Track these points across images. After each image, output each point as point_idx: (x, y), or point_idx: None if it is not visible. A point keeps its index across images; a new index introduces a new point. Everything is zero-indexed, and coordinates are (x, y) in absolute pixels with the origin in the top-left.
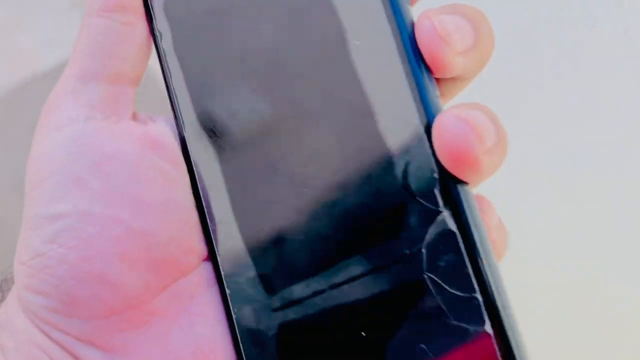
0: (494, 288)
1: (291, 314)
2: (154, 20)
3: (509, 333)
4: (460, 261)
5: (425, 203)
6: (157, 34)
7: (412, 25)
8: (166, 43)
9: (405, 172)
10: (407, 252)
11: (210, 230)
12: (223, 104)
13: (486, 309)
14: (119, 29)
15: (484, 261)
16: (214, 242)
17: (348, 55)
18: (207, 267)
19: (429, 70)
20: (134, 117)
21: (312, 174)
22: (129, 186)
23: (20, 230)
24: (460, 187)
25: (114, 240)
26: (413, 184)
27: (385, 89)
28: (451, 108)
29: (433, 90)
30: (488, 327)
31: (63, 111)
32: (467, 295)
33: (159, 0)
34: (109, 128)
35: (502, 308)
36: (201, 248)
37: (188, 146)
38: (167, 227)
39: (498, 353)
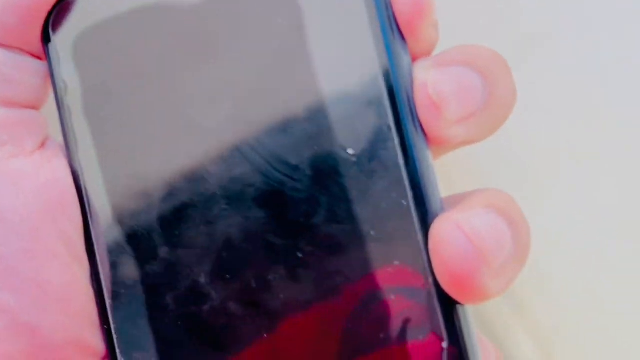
0: None
1: None
2: (55, 65)
3: None
4: None
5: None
6: (61, 85)
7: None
8: (72, 98)
9: (403, 329)
10: None
11: (112, 327)
12: (150, 194)
13: None
14: (13, 56)
15: None
16: (115, 342)
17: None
18: None
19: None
20: (43, 146)
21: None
22: (22, 261)
23: None
24: (464, 320)
25: None
26: (413, 348)
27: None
28: (454, 211)
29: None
30: None
31: None
32: None
33: (66, 37)
34: (1, 164)
35: None
36: (100, 347)
37: (94, 242)
38: (65, 322)
39: None
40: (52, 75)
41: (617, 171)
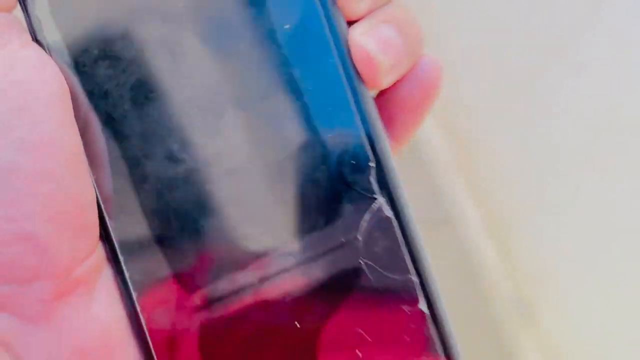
0: (427, 270)
1: (212, 311)
2: (34, 25)
3: (441, 312)
4: (395, 245)
5: (360, 190)
6: (43, 41)
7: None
8: (56, 53)
9: (340, 161)
10: (343, 239)
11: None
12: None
13: (422, 289)
14: None
15: (417, 244)
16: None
17: (276, 46)
18: None
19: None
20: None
21: (236, 161)
22: (58, 132)
23: None
24: (393, 173)
25: (45, 198)
26: (348, 172)
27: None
28: (358, 24)
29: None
30: (423, 306)
31: None
32: (403, 277)
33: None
34: (18, 53)
35: (435, 288)
36: None
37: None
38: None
39: (431, 329)
40: (32, 31)
41: (637, 185)
